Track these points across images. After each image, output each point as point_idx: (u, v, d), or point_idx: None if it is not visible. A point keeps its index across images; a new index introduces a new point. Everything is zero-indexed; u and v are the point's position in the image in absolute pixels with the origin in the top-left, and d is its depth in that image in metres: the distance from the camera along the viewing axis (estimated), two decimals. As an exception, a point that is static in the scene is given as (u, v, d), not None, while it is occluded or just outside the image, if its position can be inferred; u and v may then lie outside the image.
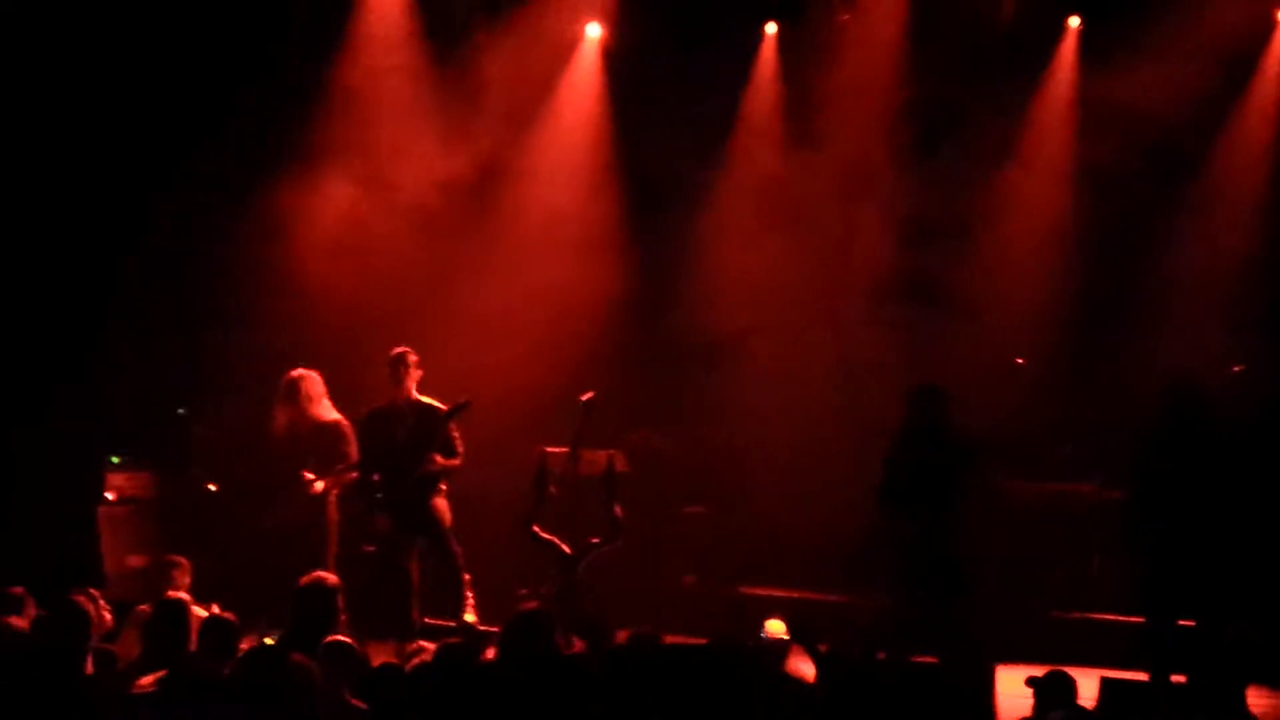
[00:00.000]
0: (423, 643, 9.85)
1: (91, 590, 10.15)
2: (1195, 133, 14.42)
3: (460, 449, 12.67)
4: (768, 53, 15.53)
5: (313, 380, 12.87)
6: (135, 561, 13.24)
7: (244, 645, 9.63)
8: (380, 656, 9.92)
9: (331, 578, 9.82)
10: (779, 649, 9.98)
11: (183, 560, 11.59)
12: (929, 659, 11.03)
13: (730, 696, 8.21)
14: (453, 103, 15.07)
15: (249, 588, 12.03)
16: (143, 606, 10.80)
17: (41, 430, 13.69)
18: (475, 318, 14.66)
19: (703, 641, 8.61)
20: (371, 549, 12.94)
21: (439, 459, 12.56)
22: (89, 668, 9.03)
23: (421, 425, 12.57)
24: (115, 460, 13.77)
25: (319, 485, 12.65)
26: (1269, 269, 14.05)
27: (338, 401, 13.27)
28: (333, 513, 12.84)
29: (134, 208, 14.24)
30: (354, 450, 12.79)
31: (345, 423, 12.84)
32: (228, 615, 9.84)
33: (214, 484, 13.65)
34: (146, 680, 8.92)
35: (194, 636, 9.47)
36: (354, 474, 12.81)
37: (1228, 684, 9.18)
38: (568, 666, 8.48)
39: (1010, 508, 13.31)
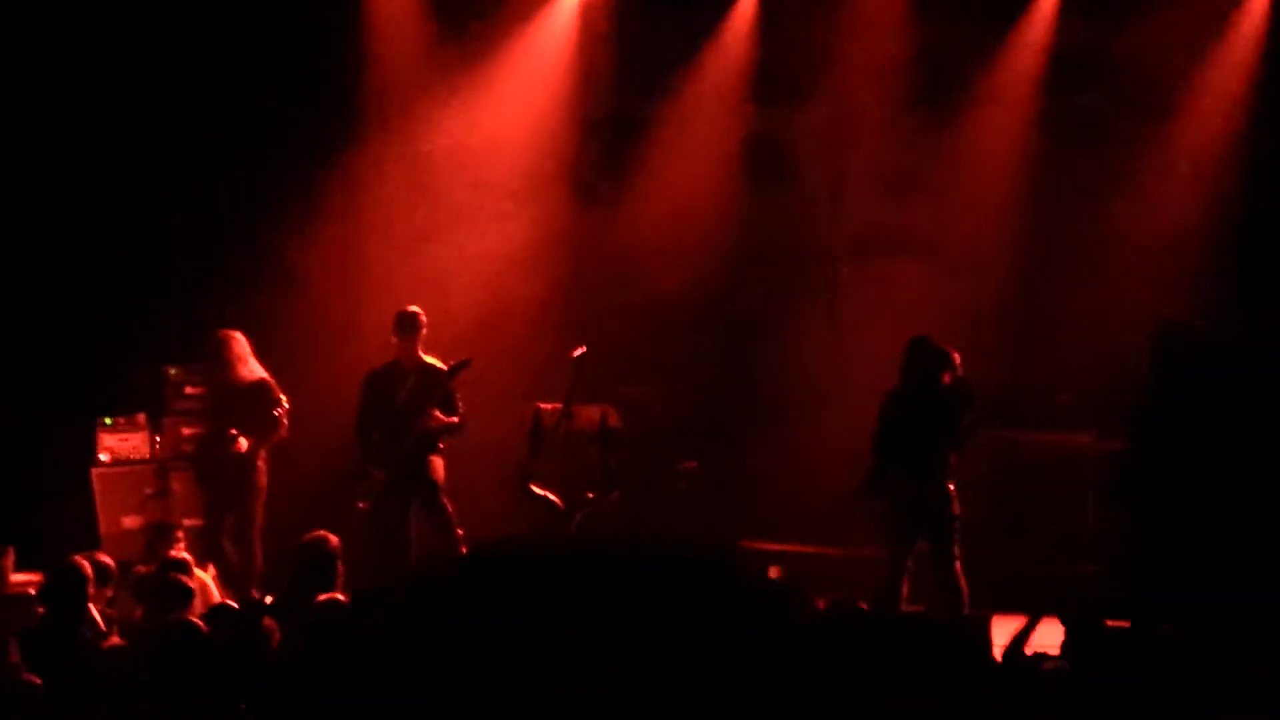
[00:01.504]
0: None
1: (99, 556, 10.16)
2: (1177, 82, 14.39)
3: (461, 408, 12.67)
4: (750, 5, 15.42)
5: (238, 340, 12.77)
6: (130, 523, 13.23)
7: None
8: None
9: (333, 538, 9.85)
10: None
11: (175, 523, 11.64)
12: (925, 610, 11.10)
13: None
14: (449, 64, 15.04)
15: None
16: (140, 568, 10.86)
17: (33, 391, 13.69)
18: (465, 274, 14.65)
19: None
20: (365, 506, 12.93)
21: (438, 414, 12.55)
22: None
23: (422, 385, 12.57)
24: (109, 421, 13.74)
25: (243, 443, 12.55)
26: (1247, 217, 14.02)
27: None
28: (261, 478, 12.73)
29: (131, 175, 14.20)
30: (283, 410, 12.70)
31: (272, 381, 12.75)
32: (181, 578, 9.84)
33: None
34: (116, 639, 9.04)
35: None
36: (282, 434, 12.74)
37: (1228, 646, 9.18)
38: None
39: (1007, 458, 13.33)
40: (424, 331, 12.66)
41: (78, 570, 9.31)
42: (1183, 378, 10.78)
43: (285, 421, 12.68)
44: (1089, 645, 8.90)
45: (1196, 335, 11.02)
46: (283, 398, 12.68)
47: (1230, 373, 11.30)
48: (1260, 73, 14.25)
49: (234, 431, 12.51)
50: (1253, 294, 13.69)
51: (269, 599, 10.75)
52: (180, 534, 11.58)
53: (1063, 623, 8.99)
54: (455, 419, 12.64)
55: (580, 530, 12.36)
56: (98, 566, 9.78)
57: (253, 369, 12.75)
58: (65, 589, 9.27)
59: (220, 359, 12.71)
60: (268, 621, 8.76)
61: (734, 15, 15.36)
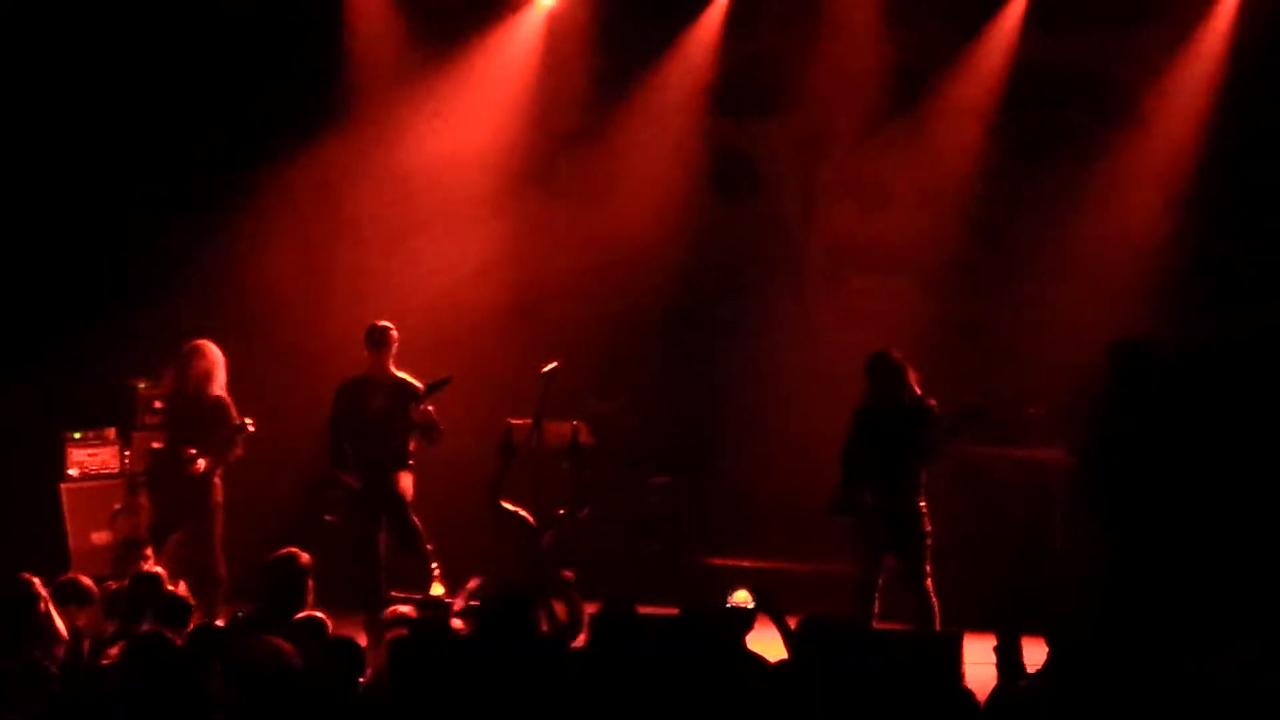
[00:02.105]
0: (399, 608, 9.76)
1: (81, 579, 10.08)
2: (1144, 94, 14.42)
3: (439, 425, 12.60)
4: (718, 17, 15.34)
5: (212, 353, 12.59)
6: (100, 539, 13.15)
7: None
8: (347, 630, 9.92)
9: (303, 555, 9.77)
10: (745, 617, 10.00)
11: (144, 538, 11.56)
12: (895, 626, 11.09)
13: (696, 668, 8.24)
14: (420, 71, 15.04)
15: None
16: (111, 584, 10.79)
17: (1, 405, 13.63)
18: (432, 285, 14.63)
19: (672, 611, 8.65)
20: (333, 519, 12.85)
21: (425, 409, 12.47)
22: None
23: (397, 400, 12.51)
24: (77, 436, 13.68)
25: (201, 463, 12.40)
26: (1214, 228, 14.07)
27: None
28: (218, 494, 12.56)
29: (101, 185, 14.16)
30: (243, 433, 12.50)
31: (229, 400, 12.56)
32: (185, 595, 9.79)
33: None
34: (114, 651, 8.92)
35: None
36: (239, 454, 12.59)
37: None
38: (545, 644, 8.52)
39: (974, 473, 13.33)
40: (395, 346, 12.59)
41: (28, 587, 9.16)
42: (1137, 392, 10.80)
43: (242, 441, 12.56)
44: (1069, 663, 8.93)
45: (1152, 348, 11.04)
46: (246, 421, 12.53)
47: (1186, 384, 11.35)
48: (1225, 84, 14.29)
49: (192, 451, 12.42)
50: (1218, 305, 13.76)
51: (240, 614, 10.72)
52: (149, 550, 11.52)
53: (1048, 641, 8.99)
54: (437, 425, 12.60)
55: (550, 548, 12.34)
56: (77, 587, 9.70)
57: (217, 385, 12.58)
58: (13, 608, 9.11)
59: (185, 371, 12.56)
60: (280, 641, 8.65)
61: (702, 27, 15.31)
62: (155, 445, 12.93)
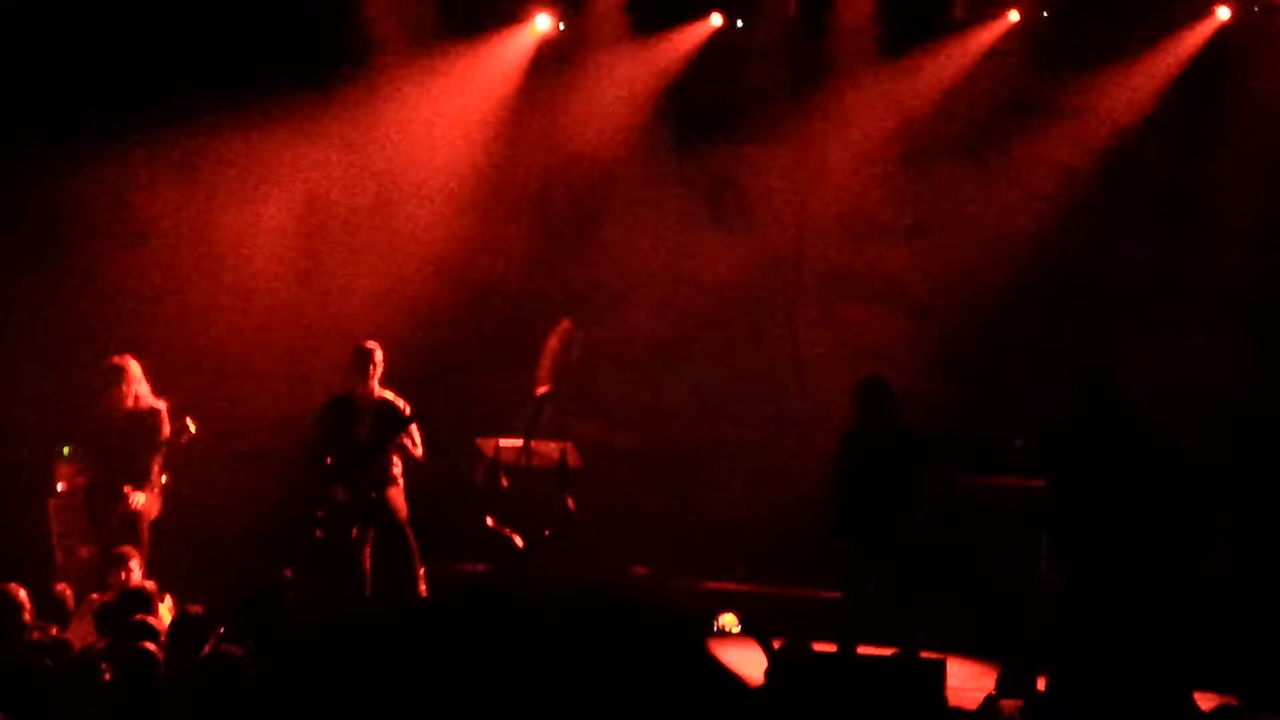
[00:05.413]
0: None
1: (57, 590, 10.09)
2: (1150, 132, 14.45)
3: (419, 445, 12.62)
4: (712, 45, 15.33)
5: (133, 367, 12.37)
6: (86, 552, 13.11)
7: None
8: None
9: (286, 573, 9.73)
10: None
11: (130, 551, 11.52)
12: (880, 651, 11.12)
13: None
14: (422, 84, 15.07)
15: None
16: (95, 595, 10.80)
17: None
18: (426, 306, 14.65)
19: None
20: (322, 535, 12.82)
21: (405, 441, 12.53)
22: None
23: (381, 423, 12.52)
24: (66, 451, 13.65)
25: (134, 501, 12.22)
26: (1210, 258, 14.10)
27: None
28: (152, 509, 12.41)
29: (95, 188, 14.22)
30: (166, 435, 12.29)
31: (161, 409, 12.35)
32: (195, 608, 9.76)
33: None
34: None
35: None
36: (164, 477, 12.42)
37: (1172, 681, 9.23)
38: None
39: (960, 502, 13.32)
40: (378, 368, 12.60)
41: (10, 598, 9.18)
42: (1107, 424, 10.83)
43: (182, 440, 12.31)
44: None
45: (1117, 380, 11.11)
46: (187, 421, 12.24)
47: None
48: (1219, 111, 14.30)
49: (128, 489, 12.25)
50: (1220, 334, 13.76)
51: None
52: (135, 563, 11.48)
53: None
54: (418, 452, 12.62)
55: (536, 567, 12.35)
56: (53, 600, 9.72)
57: (145, 399, 12.40)
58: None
59: (110, 392, 12.34)
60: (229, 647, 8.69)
61: (695, 55, 15.32)
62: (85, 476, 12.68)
